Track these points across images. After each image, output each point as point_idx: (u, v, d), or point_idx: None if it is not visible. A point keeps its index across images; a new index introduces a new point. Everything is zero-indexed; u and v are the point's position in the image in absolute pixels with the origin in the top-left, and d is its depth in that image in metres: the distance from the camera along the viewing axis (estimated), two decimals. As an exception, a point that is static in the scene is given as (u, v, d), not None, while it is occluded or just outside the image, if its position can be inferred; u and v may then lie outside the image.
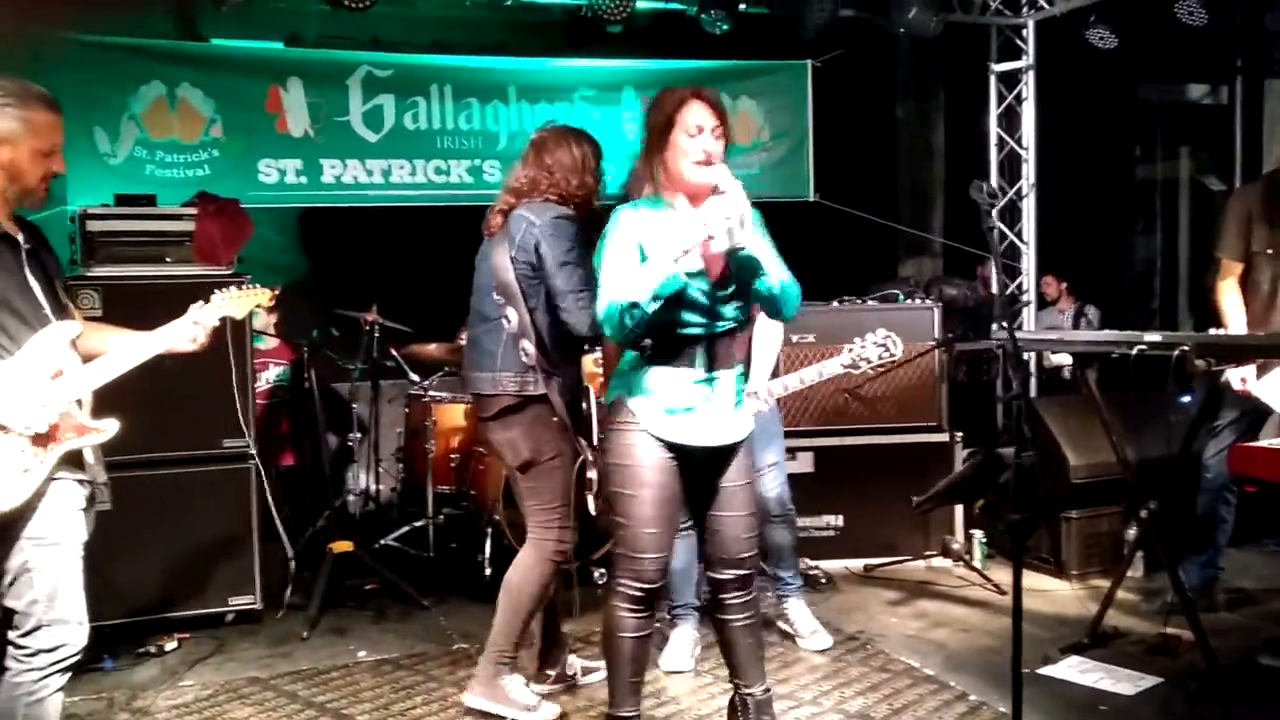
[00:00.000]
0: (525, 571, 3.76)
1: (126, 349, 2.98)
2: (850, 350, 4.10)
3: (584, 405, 3.93)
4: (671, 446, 3.06)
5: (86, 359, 2.93)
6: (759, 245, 2.99)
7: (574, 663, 4.10)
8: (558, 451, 3.71)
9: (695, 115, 3.01)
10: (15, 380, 2.77)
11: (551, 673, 4.04)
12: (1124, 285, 10.37)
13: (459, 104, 6.71)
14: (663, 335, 3.02)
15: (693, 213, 2.94)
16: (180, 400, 4.49)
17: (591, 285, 3.33)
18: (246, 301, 3.24)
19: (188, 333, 3.06)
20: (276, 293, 3.41)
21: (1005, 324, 3.61)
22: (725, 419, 3.10)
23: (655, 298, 2.87)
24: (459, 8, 6.55)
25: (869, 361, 4.08)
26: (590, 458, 3.67)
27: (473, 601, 5.04)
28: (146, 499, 4.47)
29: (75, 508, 2.87)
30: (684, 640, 4.32)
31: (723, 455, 3.13)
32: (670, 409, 3.05)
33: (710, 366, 3.05)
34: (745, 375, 3.23)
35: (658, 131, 3.05)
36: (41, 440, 2.79)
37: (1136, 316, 9.94)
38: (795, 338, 5.33)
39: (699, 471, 3.13)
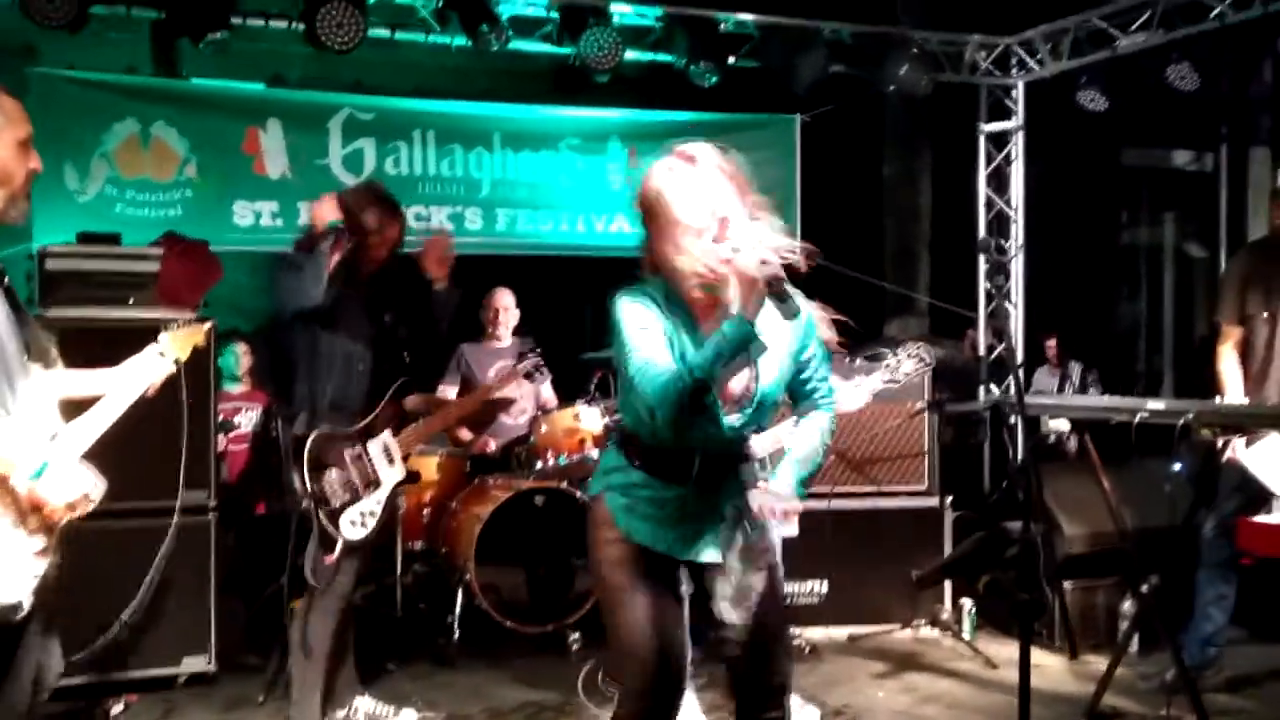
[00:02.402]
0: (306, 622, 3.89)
1: (108, 401, 2.76)
2: (887, 365, 4.04)
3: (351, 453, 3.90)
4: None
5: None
6: None
7: (361, 704, 4.14)
8: None
9: None
10: (48, 451, 2.52)
11: (340, 714, 4.06)
12: (1109, 349, 10.31)
13: (441, 150, 6.58)
14: (655, 448, 2.63)
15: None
16: (136, 448, 4.24)
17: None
18: (186, 341, 3.03)
19: (152, 373, 2.86)
20: (226, 331, 3.26)
21: (1005, 387, 3.47)
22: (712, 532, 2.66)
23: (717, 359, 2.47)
24: (445, 54, 6.43)
25: (907, 374, 4.07)
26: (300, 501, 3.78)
27: (440, 666, 4.83)
28: (97, 552, 4.23)
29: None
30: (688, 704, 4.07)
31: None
32: (648, 517, 2.64)
33: (700, 482, 2.62)
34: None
35: None
36: (48, 520, 2.53)
37: (1121, 381, 9.86)
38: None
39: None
